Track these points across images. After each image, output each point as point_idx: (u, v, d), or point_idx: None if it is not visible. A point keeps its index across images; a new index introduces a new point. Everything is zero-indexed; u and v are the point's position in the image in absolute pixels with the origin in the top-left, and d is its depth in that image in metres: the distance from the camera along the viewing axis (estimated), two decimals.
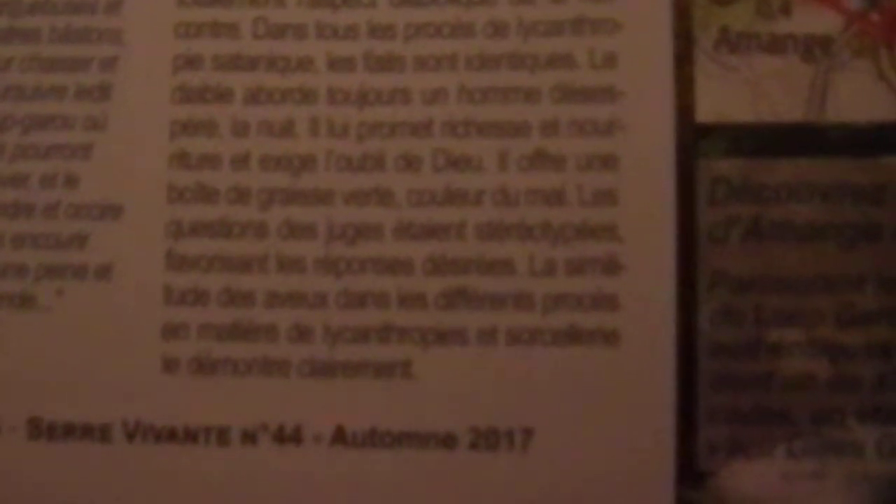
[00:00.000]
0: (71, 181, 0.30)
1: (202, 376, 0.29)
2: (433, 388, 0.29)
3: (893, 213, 0.29)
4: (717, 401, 0.29)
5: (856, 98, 0.29)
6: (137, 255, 0.30)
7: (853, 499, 0.28)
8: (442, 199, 0.29)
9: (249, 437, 0.29)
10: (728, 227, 0.29)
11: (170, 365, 0.29)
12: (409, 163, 0.30)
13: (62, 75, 0.30)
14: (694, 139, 0.29)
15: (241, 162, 0.30)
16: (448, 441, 0.29)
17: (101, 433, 0.29)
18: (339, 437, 0.29)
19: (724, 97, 0.29)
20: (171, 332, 0.29)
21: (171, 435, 0.29)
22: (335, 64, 0.30)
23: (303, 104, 0.30)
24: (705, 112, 0.29)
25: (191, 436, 0.29)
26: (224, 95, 0.30)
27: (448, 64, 0.30)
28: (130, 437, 0.29)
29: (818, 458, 0.29)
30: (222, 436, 0.29)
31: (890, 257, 0.29)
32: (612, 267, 0.29)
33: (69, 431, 0.29)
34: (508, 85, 0.30)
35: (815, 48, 0.29)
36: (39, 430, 0.29)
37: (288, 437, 0.29)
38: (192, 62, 0.30)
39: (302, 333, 0.29)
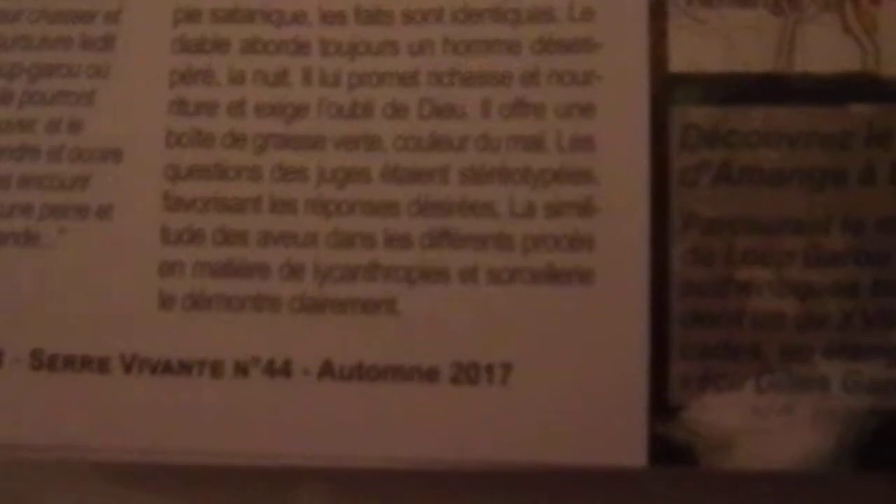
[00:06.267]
0: (75, 126, 0.31)
1: (197, 312, 0.31)
2: (417, 324, 0.30)
3: (858, 158, 0.30)
4: (689, 337, 0.30)
5: (822, 49, 0.30)
6: (136, 197, 0.31)
7: (819, 432, 0.29)
8: (427, 145, 0.31)
9: (241, 370, 0.30)
10: (699, 171, 0.30)
11: (166, 301, 0.31)
12: (397, 110, 0.31)
13: (68, 27, 0.32)
14: (667, 88, 0.30)
15: (236, 109, 0.31)
16: (431, 375, 0.30)
17: (99, 365, 0.31)
18: (327, 370, 0.30)
19: (696, 48, 0.30)
20: (168, 269, 0.31)
21: (166, 367, 0.31)
22: (327, 17, 0.31)
23: (296, 55, 0.31)
24: (678, 62, 0.30)
25: (185, 368, 0.31)
26: (221, 46, 0.31)
27: (434, 17, 0.31)
28: (128, 369, 0.31)
29: (786, 393, 0.30)
30: (215, 368, 0.31)
31: (855, 201, 0.30)
32: (588, 209, 0.30)
33: (69, 363, 0.31)
34: (491, 37, 0.31)
35: (783, 1, 0.30)
36: (41, 361, 0.31)
37: (278, 370, 0.30)
38: (191, 15, 0.31)
39: (293, 271, 0.31)
